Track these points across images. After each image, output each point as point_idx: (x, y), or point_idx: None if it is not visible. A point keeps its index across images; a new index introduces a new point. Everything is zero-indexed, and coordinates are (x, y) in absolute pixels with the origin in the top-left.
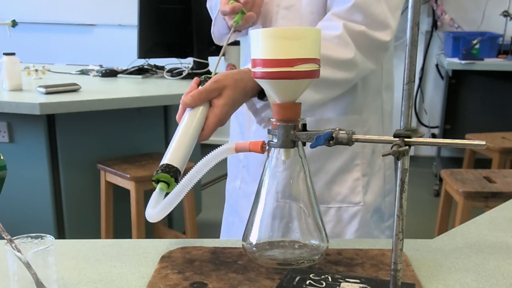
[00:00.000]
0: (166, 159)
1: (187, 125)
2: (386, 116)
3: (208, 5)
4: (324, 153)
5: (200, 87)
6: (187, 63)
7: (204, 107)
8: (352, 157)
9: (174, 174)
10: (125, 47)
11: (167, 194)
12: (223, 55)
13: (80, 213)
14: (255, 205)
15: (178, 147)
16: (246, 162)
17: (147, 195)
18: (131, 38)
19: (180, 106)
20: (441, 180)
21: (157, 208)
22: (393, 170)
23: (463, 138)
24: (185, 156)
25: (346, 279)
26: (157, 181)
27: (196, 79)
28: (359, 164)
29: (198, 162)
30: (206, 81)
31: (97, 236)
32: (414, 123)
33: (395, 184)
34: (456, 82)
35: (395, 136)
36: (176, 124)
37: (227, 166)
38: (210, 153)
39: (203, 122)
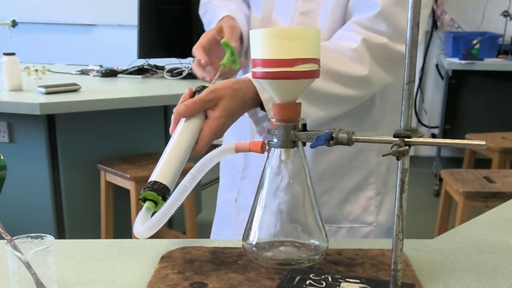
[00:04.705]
0: (154, 176)
1: (180, 138)
2: None
3: (201, 12)
4: (338, 171)
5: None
6: (187, 63)
7: (199, 119)
8: (367, 175)
9: (161, 193)
10: (125, 47)
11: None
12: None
13: (80, 213)
14: (255, 205)
15: (168, 162)
16: (246, 174)
17: None
18: (131, 38)
19: (173, 116)
20: (441, 180)
21: (152, 219)
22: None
23: (463, 138)
24: (175, 172)
25: (346, 279)
26: (144, 200)
27: (189, 89)
28: (373, 182)
29: (197, 163)
30: (201, 91)
31: (97, 236)
32: (414, 123)
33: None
34: (456, 82)
35: (395, 136)
36: None
37: (220, 173)
38: (208, 153)
39: (197, 135)
